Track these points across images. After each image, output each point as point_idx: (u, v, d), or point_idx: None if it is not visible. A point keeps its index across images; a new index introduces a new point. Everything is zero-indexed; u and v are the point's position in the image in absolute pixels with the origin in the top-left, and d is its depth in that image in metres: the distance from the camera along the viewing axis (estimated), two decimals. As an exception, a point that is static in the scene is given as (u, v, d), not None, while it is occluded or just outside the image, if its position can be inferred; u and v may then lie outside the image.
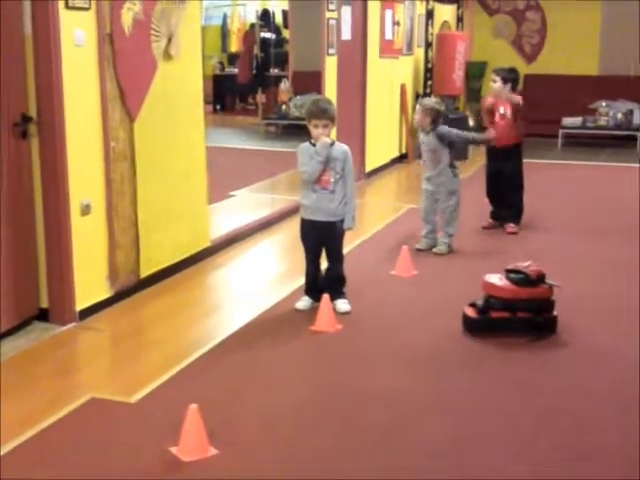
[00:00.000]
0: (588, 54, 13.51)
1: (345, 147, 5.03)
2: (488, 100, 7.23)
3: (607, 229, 7.25)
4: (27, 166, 4.74)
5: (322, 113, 4.88)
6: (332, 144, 4.95)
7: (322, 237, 5.09)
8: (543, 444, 3.50)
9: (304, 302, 5.14)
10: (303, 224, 5.14)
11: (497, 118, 7.07)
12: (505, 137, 7.02)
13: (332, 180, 4.94)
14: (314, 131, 4.91)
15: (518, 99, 6.98)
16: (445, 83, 11.79)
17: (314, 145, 4.93)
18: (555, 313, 4.74)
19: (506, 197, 7.22)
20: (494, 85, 7.03)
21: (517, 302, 4.67)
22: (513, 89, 7.06)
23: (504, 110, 7.02)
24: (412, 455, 3.39)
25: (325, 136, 4.90)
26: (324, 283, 5.15)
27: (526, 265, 4.77)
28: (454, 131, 6.52)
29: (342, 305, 5.05)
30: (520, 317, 4.69)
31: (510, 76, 7.04)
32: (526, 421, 3.70)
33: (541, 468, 3.31)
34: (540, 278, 4.71)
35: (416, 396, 3.96)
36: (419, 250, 6.40)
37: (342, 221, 5.03)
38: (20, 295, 4.75)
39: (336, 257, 5.16)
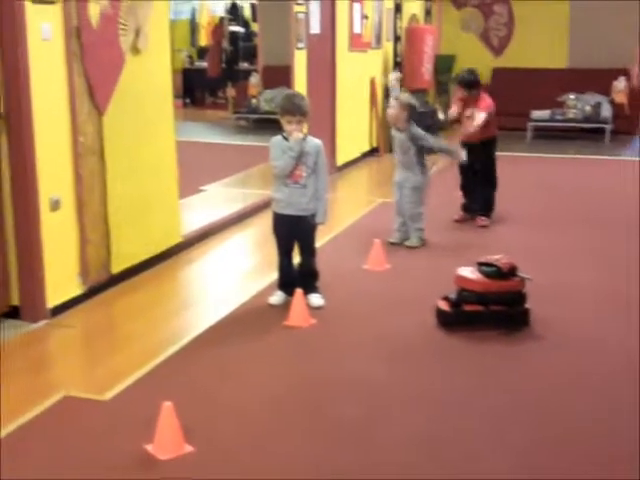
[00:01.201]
0: (557, 47, 13.56)
1: (317, 142, 5.01)
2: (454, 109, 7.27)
3: (577, 220, 7.30)
4: (-5, 162, 4.69)
5: (296, 109, 4.89)
6: (304, 138, 4.92)
7: (294, 231, 5.07)
8: (519, 435, 3.51)
9: (277, 297, 5.13)
10: (275, 218, 5.11)
11: (465, 118, 7.14)
12: (477, 133, 7.05)
13: (304, 175, 4.93)
14: (287, 127, 4.90)
15: (481, 116, 6.99)
16: (414, 76, 11.78)
17: (286, 139, 4.91)
18: (527, 305, 4.76)
19: (479, 190, 7.25)
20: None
21: (489, 295, 4.68)
22: (477, 87, 7.11)
23: (471, 112, 7.07)
24: (387, 448, 3.40)
25: (298, 132, 4.88)
26: (297, 278, 5.13)
27: (498, 258, 4.78)
28: (429, 138, 6.51)
29: (315, 300, 5.05)
30: (493, 310, 4.70)
31: (473, 80, 7.10)
32: (501, 413, 3.72)
33: (518, 459, 3.32)
34: (512, 271, 4.73)
35: (390, 389, 3.97)
36: (392, 244, 6.41)
37: (314, 215, 5.02)
38: (-11, 293, 4.70)
39: (308, 251, 5.15)
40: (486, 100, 7.09)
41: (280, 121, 4.95)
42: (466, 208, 7.34)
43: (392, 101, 6.59)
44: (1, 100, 4.63)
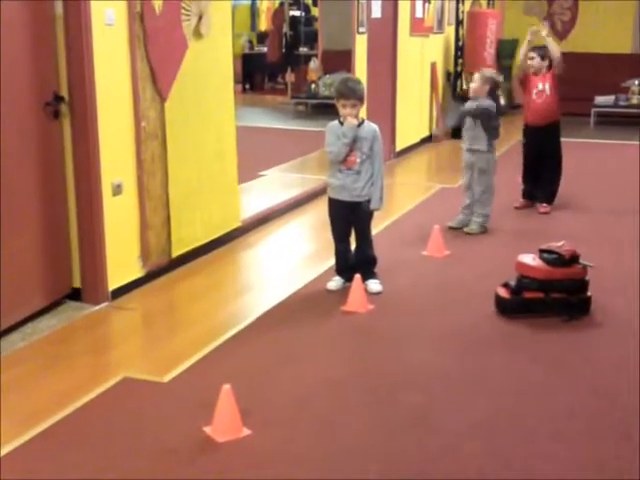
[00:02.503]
0: (621, 32, 13.31)
1: (374, 127, 4.95)
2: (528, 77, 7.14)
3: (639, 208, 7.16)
4: (59, 146, 4.76)
5: (351, 93, 4.83)
6: (361, 123, 4.89)
7: (349, 217, 5.05)
8: (579, 424, 3.47)
9: (335, 282, 5.12)
10: (330, 203, 5.10)
11: (534, 96, 7.00)
12: (545, 115, 6.96)
13: (358, 160, 4.88)
14: (342, 110, 4.87)
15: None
16: (476, 61, 11.63)
17: (342, 124, 4.88)
18: (589, 293, 4.69)
19: (543, 177, 7.15)
20: (532, 62, 6.97)
21: (550, 282, 4.63)
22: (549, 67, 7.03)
23: (542, 86, 6.95)
24: (447, 434, 3.38)
25: (353, 116, 4.84)
26: (355, 263, 5.13)
27: (559, 245, 4.72)
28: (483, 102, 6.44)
29: (374, 285, 5.03)
30: (553, 297, 4.64)
31: (547, 53, 6.99)
32: (561, 401, 3.67)
33: (577, 447, 3.28)
34: (574, 258, 4.66)
35: (450, 376, 3.94)
36: (451, 228, 6.35)
37: (369, 201, 4.96)
38: (53, 275, 4.78)
39: (364, 237, 5.13)
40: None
41: (336, 105, 4.94)
42: (527, 195, 7.25)
43: (476, 75, 6.50)
44: (65, 84, 4.69)
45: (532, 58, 6.98)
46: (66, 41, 4.63)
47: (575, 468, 3.14)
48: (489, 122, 6.31)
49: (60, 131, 4.74)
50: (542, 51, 7.00)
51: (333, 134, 4.91)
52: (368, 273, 5.08)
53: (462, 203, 6.54)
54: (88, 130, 4.71)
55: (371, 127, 4.92)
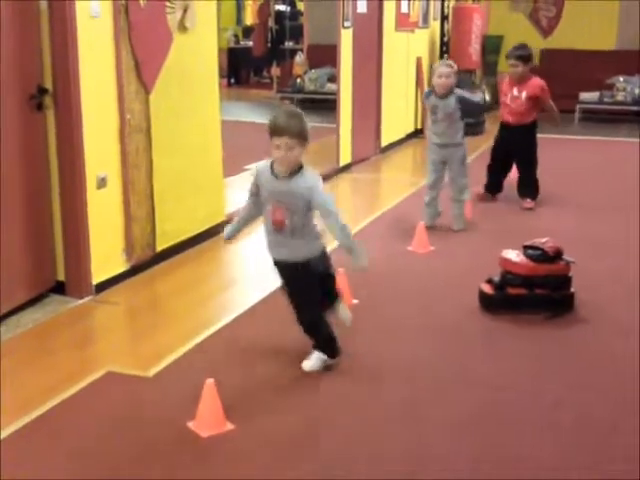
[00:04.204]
0: (606, 28, 13.35)
1: (312, 180, 3.68)
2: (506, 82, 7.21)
3: (623, 205, 7.18)
4: (43, 139, 4.73)
5: (282, 129, 3.57)
6: (295, 173, 3.66)
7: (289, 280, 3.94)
8: (565, 417, 3.49)
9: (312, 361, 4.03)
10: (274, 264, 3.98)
11: (509, 100, 7.06)
12: (518, 118, 7.04)
13: (287, 222, 3.71)
14: (274, 153, 3.63)
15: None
16: (461, 57, 11.65)
17: (272, 170, 3.71)
18: (572, 290, 4.71)
19: (521, 175, 7.22)
20: (516, 70, 6.99)
21: (534, 278, 4.64)
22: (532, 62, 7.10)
23: (518, 93, 7.01)
24: (434, 429, 3.38)
25: (291, 160, 3.61)
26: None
27: (543, 241, 4.73)
28: (473, 95, 6.40)
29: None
30: (537, 294, 4.66)
31: (528, 54, 7.04)
32: (547, 395, 3.69)
33: (565, 440, 3.31)
34: (558, 254, 4.68)
35: (434, 371, 3.95)
36: (429, 227, 6.26)
37: (319, 258, 3.84)
38: (37, 268, 4.76)
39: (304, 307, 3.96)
40: (539, 81, 7.03)
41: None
42: (487, 188, 7.39)
43: (444, 68, 6.23)
44: (50, 77, 4.66)
45: (515, 65, 6.99)
46: (51, 33, 4.60)
47: (563, 458, 3.16)
48: (478, 117, 6.28)
49: (44, 124, 4.72)
50: (525, 53, 7.01)
51: (256, 184, 3.82)
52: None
53: (426, 197, 6.44)
54: (72, 123, 4.68)
55: (308, 181, 3.66)
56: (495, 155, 7.35)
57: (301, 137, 3.59)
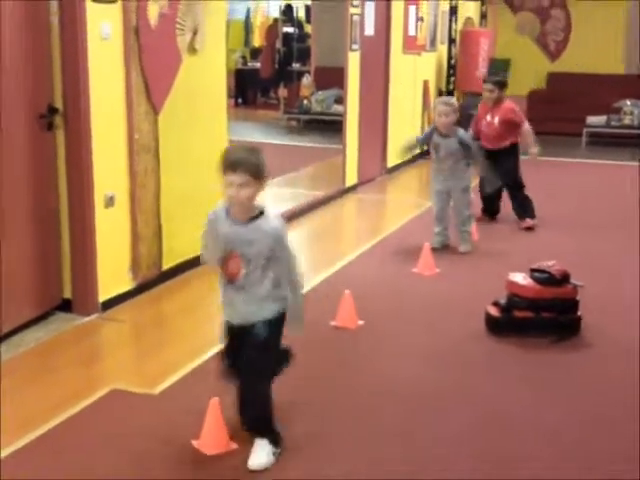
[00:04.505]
0: (613, 52, 13.41)
1: (275, 224, 3.23)
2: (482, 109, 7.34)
3: (631, 228, 7.18)
4: (52, 158, 4.76)
5: (237, 164, 3.16)
6: (254, 218, 3.22)
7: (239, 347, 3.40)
8: (566, 441, 3.48)
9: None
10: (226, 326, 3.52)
11: (483, 126, 7.19)
12: (494, 143, 7.13)
13: (244, 272, 3.26)
14: (226, 192, 3.20)
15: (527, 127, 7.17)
16: (468, 80, 11.72)
17: (228, 214, 3.27)
18: (579, 313, 4.71)
19: (510, 197, 7.34)
20: (493, 95, 7.11)
21: (541, 302, 4.64)
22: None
23: (491, 119, 7.13)
24: (432, 447, 3.38)
25: (244, 200, 3.17)
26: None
27: (551, 264, 4.74)
28: (472, 142, 6.46)
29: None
30: (544, 317, 4.65)
31: (505, 81, 7.34)
32: (549, 419, 3.68)
33: (563, 464, 3.30)
34: (565, 278, 4.68)
35: (437, 393, 3.95)
36: (434, 249, 6.29)
37: (267, 323, 3.28)
38: (43, 285, 4.78)
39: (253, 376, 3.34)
40: (510, 104, 7.16)
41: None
42: (483, 211, 7.50)
43: (443, 107, 6.24)
44: (60, 97, 4.70)
45: (491, 91, 7.10)
46: (62, 54, 4.65)
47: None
48: (468, 150, 6.32)
49: (54, 143, 4.75)
50: (502, 79, 7.21)
51: (210, 231, 3.36)
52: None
53: (435, 228, 6.48)
54: (82, 142, 4.72)
55: (272, 222, 3.22)
56: (482, 181, 7.38)
57: (257, 174, 3.15)
